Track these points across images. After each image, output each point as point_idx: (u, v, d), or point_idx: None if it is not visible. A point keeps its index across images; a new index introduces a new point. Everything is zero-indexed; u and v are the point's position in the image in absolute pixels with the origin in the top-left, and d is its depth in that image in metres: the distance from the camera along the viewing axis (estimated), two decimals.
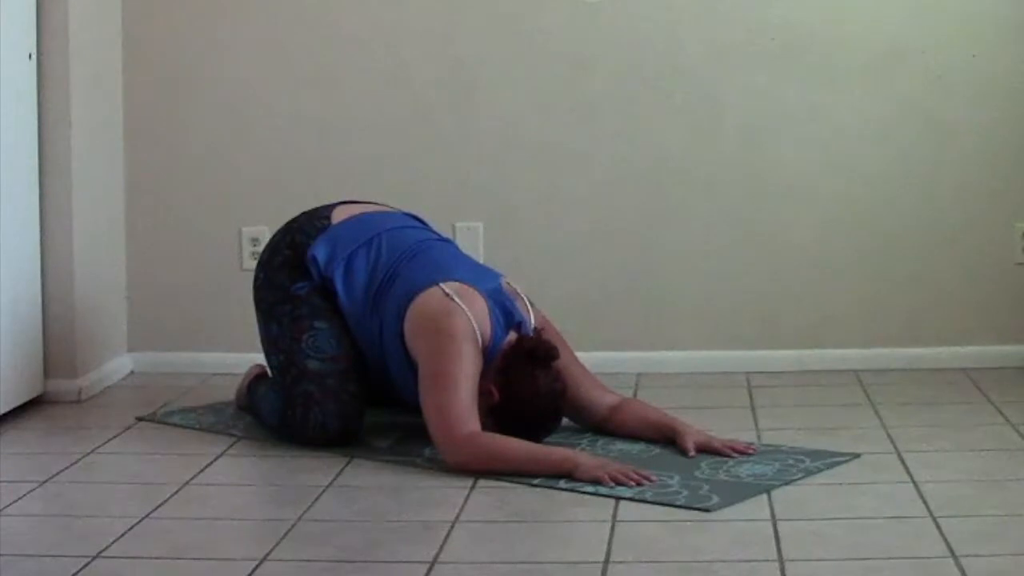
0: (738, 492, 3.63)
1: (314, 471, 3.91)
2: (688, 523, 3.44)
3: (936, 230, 5.03)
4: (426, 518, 3.51)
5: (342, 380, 4.12)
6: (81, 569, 3.16)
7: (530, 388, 3.95)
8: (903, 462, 3.89)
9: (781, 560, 3.16)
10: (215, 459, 4.07)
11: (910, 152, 5.02)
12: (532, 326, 4.09)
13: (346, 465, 3.97)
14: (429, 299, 4.01)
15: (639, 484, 3.68)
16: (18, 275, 4.58)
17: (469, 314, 3.97)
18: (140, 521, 3.50)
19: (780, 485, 3.70)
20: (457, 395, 3.86)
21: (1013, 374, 4.91)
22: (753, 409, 4.54)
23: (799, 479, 3.75)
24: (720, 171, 5.06)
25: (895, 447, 4.05)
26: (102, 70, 5.01)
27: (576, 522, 3.51)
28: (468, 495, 3.68)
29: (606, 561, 3.18)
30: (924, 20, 4.99)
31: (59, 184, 4.73)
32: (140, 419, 4.51)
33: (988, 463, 3.89)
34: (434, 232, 4.37)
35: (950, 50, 4.99)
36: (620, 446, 4.07)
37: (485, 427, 3.91)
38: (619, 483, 3.68)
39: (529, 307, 4.15)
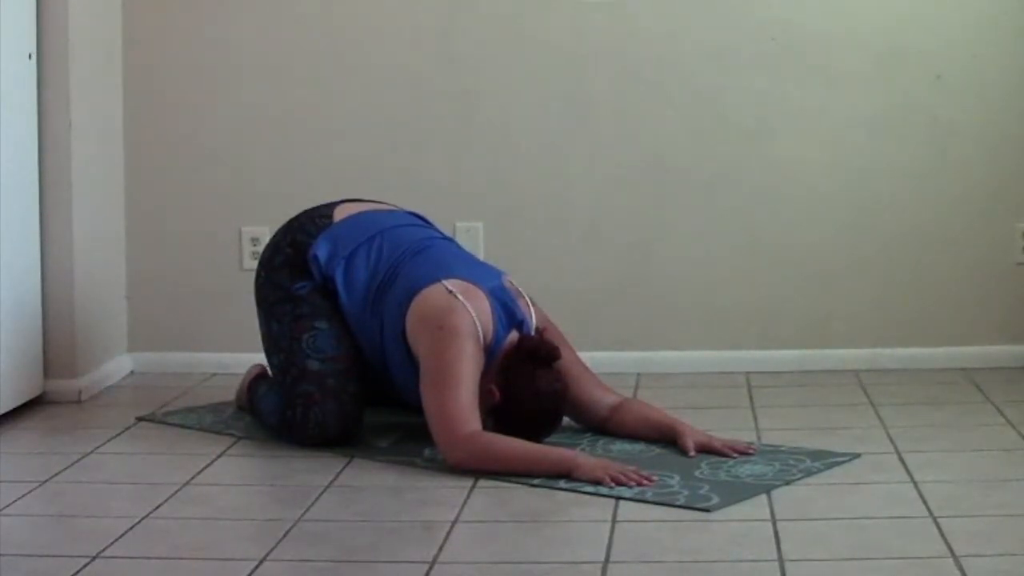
0: (738, 492, 3.63)
1: (314, 471, 3.91)
2: (688, 523, 3.44)
3: (936, 230, 5.04)
4: (426, 518, 3.51)
5: (342, 380, 4.12)
6: (81, 569, 3.16)
7: (531, 388, 3.95)
8: (903, 462, 3.89)
9: (781, 560, 3.16)
10: (215, 459, 4.07)
11: (910, 152, 5.02)
12: (534, 325, 4.09)
13: (346, 465, 3.97)
14: (432, 296, 4.01)
15: (639, 484, 3.68)
16: (18, 275, 4.57)
17: (472, 312, 3.96)
18: (140, 521, 3.50)
19: (780, 485, 3.70)
20: (458, 394, 3.86)
21: (1013, 374, 4.91)
22: (753, 409, 4.54)
23: (799, 479, 3.75)
24: (720, 171, 5.06)
25: (895, 447, 4.05)
26: (102, 70, 5.01)
27: (576, 522, 3.51)
28: (468, 495, 3.68)
29: (606, 561, 3.18)
30: (924, 20, 4.99)
31: (59, 184, 4.73)
32: (140, 419, 4.51)
33: (988, 463, 3.89)
34: (436, 230, 4.37)
35: (950, 50, 4.99)
36: (620, 446, 4.07)
37: (486, 427, 3.91)
38: (619, 483, 3.68)
39: (531, 306, 4.15)
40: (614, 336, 5.07)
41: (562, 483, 3.72)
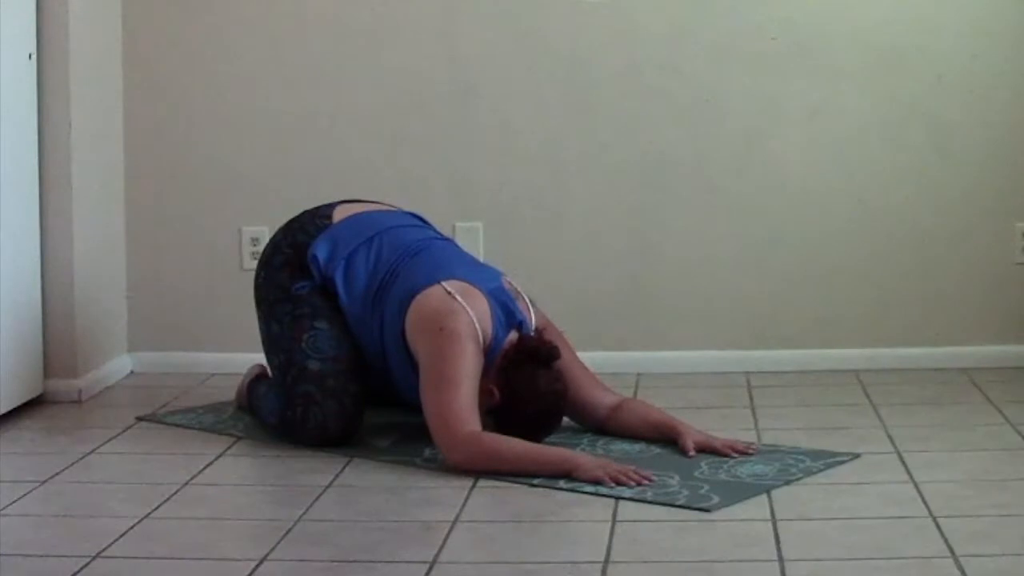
0: (738, 492, 3.63)
1: (314, 471, 3.91)
2: (688, 523, 3.44)
3: (936, 230, 5.04)
4: (426, 518, 3.51)
5: (342, 380, 4.12)
6: (81, 569, 3.16)
7: (531, 388, 3.95)
8: (903, 462, 3.89)
9: (781, 560, 3.16)
10: (215, 459, 4.07)
11: (910, 152, 5.02)
12: (533, 326, 4.10)
13: (346, 465, 3.97)
14: (431, 297, 4.01)
15: (639, 484, 3.68)
16: (18, 275, 4.57)
17: (471, 313, 3.96)
18: (140, 521, 3.50)
19: (780, 485, 3.70)
20: (458, 394, 3.86)
21: (1013, 374, 4.91)
22: (753, 409, 4.54)
23: (799, 479, 3.75)
24: (720, 171, 5.06)
25: (895, 447, 4.05)
26: (102, 70, 5.01)
27: (576, 522, 3.51)
28: (468, 495, 3.68)
29: (606, 561, 3.18)
30: (924, 20, 4.99)
31: (59, 184, 4.72)
32: (140, 419, 4.51)
33: (988, 463, 3.89)
34: (435, 231, 4.37)
35: (950, 50, 4.99)
36: (620, 446, 4.07)
37: (485, 427, 3.91)
38: (619, 483, 3.68)
39: (530, 306, 4.15)
40: (614, 336, 5.07)
41: (562, 483, 3.72)
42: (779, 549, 3.23)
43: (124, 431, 4.39)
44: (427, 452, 4.01)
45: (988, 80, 4.99)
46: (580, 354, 4.24)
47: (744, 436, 4.14)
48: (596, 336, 4.98)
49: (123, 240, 5.17)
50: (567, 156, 5.09)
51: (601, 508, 3.55)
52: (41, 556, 3.28)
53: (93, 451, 4.16)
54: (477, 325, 3.96)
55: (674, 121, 5.06)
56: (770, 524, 3.41)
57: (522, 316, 4.09)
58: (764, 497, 3.61)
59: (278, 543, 3.34)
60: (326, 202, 4.38)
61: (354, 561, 3.23)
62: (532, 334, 4.05)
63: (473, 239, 5.04)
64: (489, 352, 3.98)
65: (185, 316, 5.19)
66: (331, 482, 3.82)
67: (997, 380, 4.81)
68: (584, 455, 3.86)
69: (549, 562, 3.21)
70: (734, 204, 5.07)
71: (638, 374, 4.98)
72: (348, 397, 4.12)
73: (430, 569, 3.16)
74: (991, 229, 5.03)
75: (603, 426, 4.18)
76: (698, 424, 4.11)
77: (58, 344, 4.75)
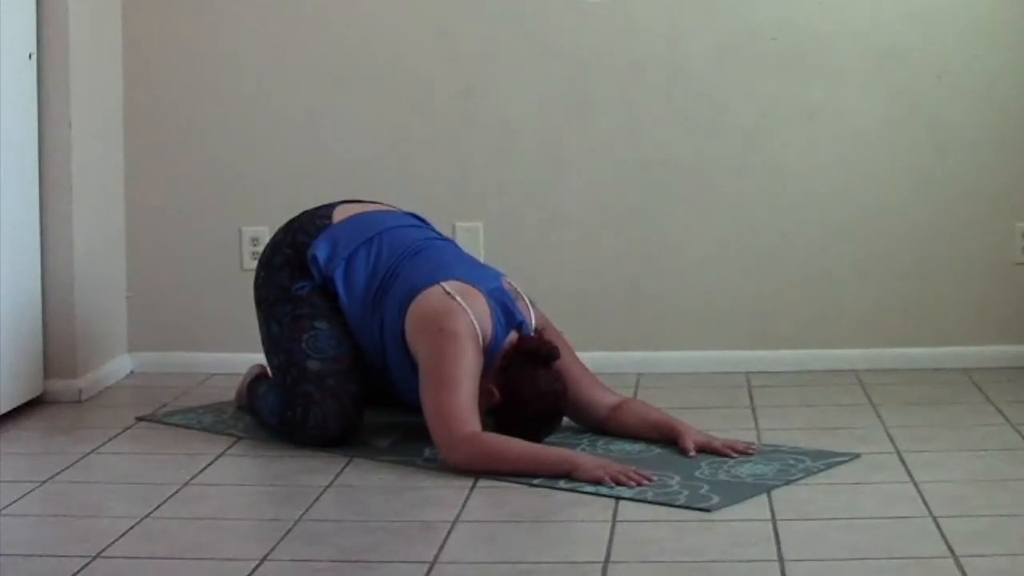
0: (738, 492, 3.63)
1: (314, 471, 3.91)
2: (688, 523, 3.44)
3: (936, 230, 5.04)
4: (426, 518, 3.51)
5: (342, 380, 4.12)
6: (81, 569, 3.16)
7: (531, 388, 3.95)
8: (903, 462, 3.89)
9: (781, 560, 3.16)
10: (215, 459, 4.07)
11: (910, 152, 5.02)
12: (533, 326, 4.10)
13: (346, 465, 3.97)
14: (430, 298, 4.02)
15: (639, 484, 3.68)
16: (18, 275, 4.57)
17: (471, 313, 3.97)
18: (140, 521, 3.50)
19: (780, 485, 3.70)
20: (458, 395, 3.86)
21: (1013, 374, 4.91)
22: (753, 409, 4.55)
23: (799, 479, 3.75)
24: (720, 171, 5.06)
25: (895, 447, 4.05)
26: (102, 70, 5.01)
27: (576, 522, 3.51)
28: (468, 495, 3.68)
29: (606, 561, 3.18)
30: (924, 20, 4.99)
31: (59, 184, 4.72)
32: (140, 419, 4.51)
33: (988, 463, 3.89)
34: (435, 231, 4.37)
35: (950, 50, 4.99)
36: (620, 446, 4.07)
37: (485, 427, 3.91)
38: (619, 483, 3.68)
39: (530, 306, 4.15)
40: (614, 336, 5.07)
41: (562, 483, 3.72)
42: (779, 549, 3.23)
43: (124, 431, 4.39)
44: (427, 452, 4.01)
45: (988, 80, 4.99)
46: (580, 354, 4.24)
47: (744, 436, 4.14)
48: (596, 336, 4.98)
49: (123, 240, 5.17)
50: (567, 156, 5.09)
51: (601, 508, 3.55)
52: (41, 556, 3.28)
53: (93, 451, 4.16)
54: (477, 325, 3.96)
55: (674, 121, 5.06)
56: (770, 524, 3.41)
57: (522, 316, 4.09)
58: (764, 497, 3.61)
59: (278, 543, 3.34)
60: (326, 202, 4.38)
61: (354, 561, 3.23)
62: (532, 334, 4.05)
63: (473, 239, 5.04)
64: (489, 352, 3.98)
65: (185, 316, 5.19)
66: (331, 482, 3.82)
67: (997, 380, 4.81)
68: (584, 455, 3.86)
69: (549, 562, 3.21)
70: (733, 204, 5.07)
71: (638, 374, 4.98)
72: (348, 397, 4.13)
73: (430, 569, 3.16)
74: (991, 229, 5.03)
75: (603, 426, 4.18)
76: (698, 424, 4.11)
77: (58, 344, 4.75)
